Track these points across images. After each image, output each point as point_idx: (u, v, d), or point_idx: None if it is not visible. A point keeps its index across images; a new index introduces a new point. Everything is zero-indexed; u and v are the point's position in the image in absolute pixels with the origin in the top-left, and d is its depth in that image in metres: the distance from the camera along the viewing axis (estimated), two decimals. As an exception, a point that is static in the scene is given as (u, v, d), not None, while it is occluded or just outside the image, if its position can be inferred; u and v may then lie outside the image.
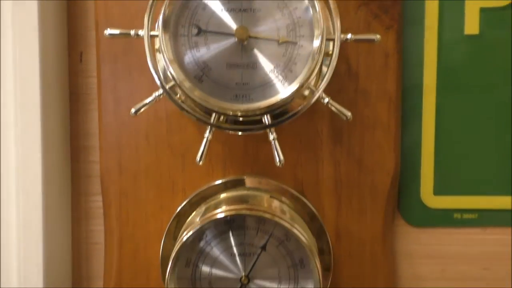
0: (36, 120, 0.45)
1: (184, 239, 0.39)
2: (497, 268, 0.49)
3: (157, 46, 0.42)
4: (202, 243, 0.41)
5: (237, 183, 0.45)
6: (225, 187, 0.45)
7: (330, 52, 0.39)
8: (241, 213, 0.39)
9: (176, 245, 0.40)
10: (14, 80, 0.45)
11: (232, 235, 0.41)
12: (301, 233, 0.39)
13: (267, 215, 0.39)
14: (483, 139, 0.48)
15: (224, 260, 0.41)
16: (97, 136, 0.48)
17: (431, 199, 0.49)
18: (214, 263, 0.41)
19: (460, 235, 0.49)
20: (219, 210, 0.40)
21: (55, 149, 0.47)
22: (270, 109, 0.38)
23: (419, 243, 0.50)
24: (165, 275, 0.40)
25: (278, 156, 0.39)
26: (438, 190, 0.48)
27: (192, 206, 0.45)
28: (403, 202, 0.49)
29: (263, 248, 0.41)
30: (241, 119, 0.42)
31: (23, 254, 0.45)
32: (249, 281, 0.41)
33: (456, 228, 0.49)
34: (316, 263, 0.39)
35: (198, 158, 0.40)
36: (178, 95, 0.40)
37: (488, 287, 0.49)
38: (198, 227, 0.39)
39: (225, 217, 0.39)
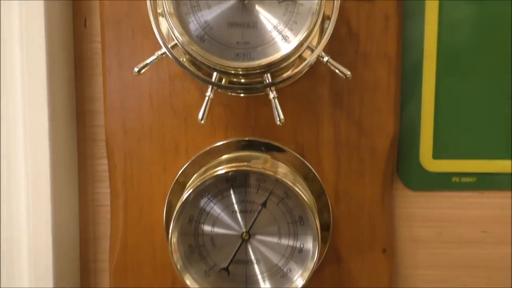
0: (43, 85, 0.46)
1: (186, 196, 0.40)
2: (495, 232, 0.50)
3: (159, 10, 0.42)
4: (204, 200, 0.42)
5: (238, 145, 0.46)
6: (227, 148, 0.46)
7: (331, 15, 0.39)
8: (242, 170, 0.39)
9: (179, 202, 0.41)
10: (20, 46, 0.45)
11: (233, 192, 0.42)
12: (301, 190, 0.40)
13: (269, 172, 0.39)
14: (483, 103, 0.48)
15: (225, 217, 0.42)
16: (101, 101, 0.49)
17: (430, 162, 0.49)
18: (216, 220, 0.42)
19: (458, 199, 0.50)
20: (220, 167, 0.40)
21: (61, 114, 0.48)
22: (270, 67, 0.39)
23: (417, 206, 0.50)
24: (169, 236, 0.41)
25: (278, 115, 0.40)
26: (437, 154, 0.49)
27: (194, 167, 0.46)
28: (402, 165, 0.49)
29: (264, 205, 0.41)
30: (242, 80, 0.43)
31: (32, 219, 0.46)
32: (250, 237, 0.42)
33: (454, 191, 0.50)
34: (315, 220, 0.39)
35: (200, 116, 0.40)
36: (181, 59, 0.41)
37: (486, 252, 0.50)
38: (199, 183, 0.40)
39: (226, 173, 0.39)
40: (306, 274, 0.39)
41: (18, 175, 0.46)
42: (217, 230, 0.42)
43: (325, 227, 0.45)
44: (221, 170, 0.40)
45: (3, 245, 0.47)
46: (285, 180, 0.39)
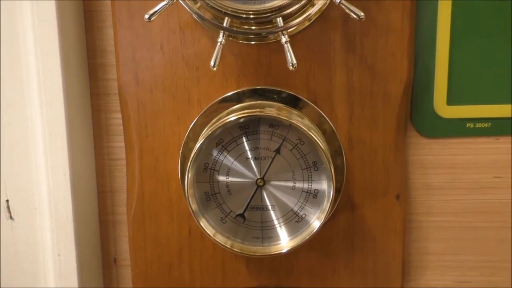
0: (55, 39, 0.45)
1: (200, 143, 0.40)
2: (509, 177, 0.50)
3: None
4: (218, 148, 0.42)
5: (251, 94, 0.45)
6: (238, 98, 0.45)
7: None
8: (255, 115, 0.39)
9: (193, 150, 0.41)
10: (31, 2, 0.45)
11: (247, 140, 0.42)
12: (315, 135, 0.40)
13: (282, 117, 0.39)
14: (499, 47, 0.47)
15: (240, 165, 0.42)
16: (113, 54, 0.48)
17: (444, 109, 0.48)
18: (231, 167, 0.42)
19: (472, 145, 0.49)
20: (232, 114, 0.40)
21: (74, 68, 0.48)
22: (282, 9, 0.38)
23: (431, 153, 0.50)
24: (184, 183, 0.41)
25: (291, 59, 0.39)
26: (451, 99, 0.48)
27: (207, 117, 0.45)
28: (416, 112, 0.48)
29: (277, 151, 0.41)
30: (253, 28, 0.42)
31: (51, 173, 0.47)
32: (264, 183, 0.42)
33: (468, 137, 0.49)
34: (330, 164, 0.39)
35: (212, 63, 0.40)
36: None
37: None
38: (212, 131, 0.40)
39: (238, 119, 0.39)
40: (323, 216, 0.40)
41: (35, 130, 0.47)
42: (232, 177, 0.42)
43: (338, 173, 0.45)
44: (233, 117, 0.40)
45: (23, 201, 0.48)
46: (299, 125, 0.39)
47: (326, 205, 0.39)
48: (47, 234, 0.48)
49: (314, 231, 0.40)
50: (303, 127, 0.39)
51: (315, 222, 0.40)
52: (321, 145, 0.39)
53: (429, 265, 0.52)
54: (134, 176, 0.48)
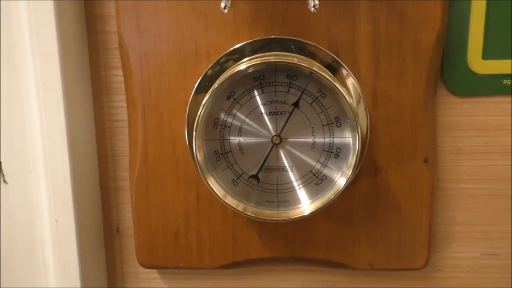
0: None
1: (209, 95, 0.35)
2: (547, 140, 0.44)
3: None
4: (229, 102, 0.37)
5: (265, 45, 0.40)
6: (252, 49, 0.40)
7: None
8: (270, 62, 0.34)
9: (202, 103, 0.36)
10: None
11: (262, 92, 0.36)
12: (339, 84, 0.34)
13: (302, 64, 0.34)
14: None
15: (254, 120, 0.37)
16: (112, 2, 0.43)
17: (479, 63, 0.43)
18: (243, 123, 0.37)
19: (508, 104, 0.44)
20: (244, 62, 0.35)
21: (69, 17, 0.43)
22: None
23: (462, 114, 0.44)
24: (192, 141, 0.37)
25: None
26: (488, 53, 0.43)
27: (217, 70, 0.40)
28: (447, 68, 0.43)
29: (296, 105, 0.36)
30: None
31: (46, 132, 0.42)
32: (281, 141, 0.37)
33: (504, 96, 0.44)
34: (355, 116, 0.34)
35: (222, 4, 0.34)
36: None
37: None
38: (222, 81, 0.34)
39: (249, 67, 0.34)
40: (349, 172, 0.35)
41: (28, 85, 0.42)
42: (245, 134, 0.37)
43: (362, 133, 0.40)
44: (244, 65, 0.34)
45: (17, 163, 0.43)
46: (321, 72, 0.34)
47: (352, 159, 0.34)
48: (43, 198, 0.43)
49: (340, 189, 0.35)
50: (326, 76, 0.34)
51: (341, 180, 0.35)
52: (345, 95, 0.34)
53: (457, 236, 0.47)
54: (137, 137, 0.44)
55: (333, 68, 0.40)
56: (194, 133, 0.35)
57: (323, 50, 0.40)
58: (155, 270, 0.50)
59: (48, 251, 0.45)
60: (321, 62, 0.39)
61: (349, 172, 0.35)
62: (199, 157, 0.35)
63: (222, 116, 0.37)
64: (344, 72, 0.40)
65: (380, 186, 0.43)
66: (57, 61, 0.41)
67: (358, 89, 0.40)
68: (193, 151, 0.35)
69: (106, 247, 0.50)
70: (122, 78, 0.44)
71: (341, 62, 0.40)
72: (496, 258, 0.47)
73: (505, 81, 0.43)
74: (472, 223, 0.47)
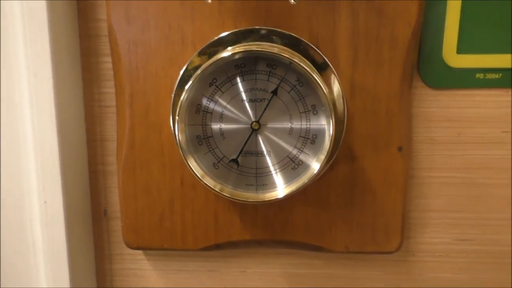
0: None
1: (191, 81, 0.36)
2: (517, 132, 0.46)
3: None
4: (211, 89, 0.38)
5: (249, 35, 0.41)
6: (236, 38, 0.41)
7: None
8: (251, 51, 0.35)
9: (185, 88, 0.37)
10: None
11: (243, 80, 0.38)
12: (316, 74, 0.36)
13: (283, 54, 0.35)
14: (515, -10, 0.43)
15: (234, 107, 0.39)
16: (103, -9, 0.45)
17: (453, 58, 0.45)
18: (225, 109, 0.39)
19: (480, 97, 0.46)
20: (228, 49, 0.36)
21: (61, 5, 0.44)
22: None
23: (437, 105, 0.46)
24: (175, 124, 0.38)
25: (292, -9, 0.35)
26: (462, 48, 0.44)
27: (201, 59, 0.42)
28: (423, 61, 0.45)
29: (274, 93, 0.38)
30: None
31: (36, 118, 0.44)
32: (260, 127, 0.39)
33: (477, 89, 0.46)
34: (329, 104, 0.36)
35: (206, -7, 0.36)
36: None
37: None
38: (205, 67, 0.36)
39: (233, 55, 0.35)
40: (323, 156, 0.36)
41: (19, 70, 0.43)
42: (226, 120, 0.39)
43: (339, 122, 0.42)
44: (227, 53, 0.36)
45: (7, 145, 0.44)
46: (299, 63, 0.35)
47: (326, 144, 0.36)
48: (32, 180, 0.45)
49: (314, 173, 0.37)
50: (303, 66, 0.35)
51: (315, 165, 0.37)
52: (321, 85, 0.35)
53: (430, 222, 0.49)
54: (125, 123, 0.45)
55: (313, 59, 0.41)
56: (177, 116, 0.36)
57: (304, 41, 0.41)
58: (141, 252, 0.51)
59: (37, 231, 0.46)
60: (301, 53, 0.40)
61: (323, 157, 0.36)
62: (181, 138, 0.37)
63: (204, 102, 0.38)
64: (323, 63, 0.41)
65: (356, 173, 0.44)
66: (48, 47, 0.42)
67: (337, 80, 0.42)
68: (175, 133, 0.37)
69: (94, 229, 0.51)
70: (111, 65, 0.46)
71: (321, 53, 0.41)
72: (468, 244, 0.49)
73: (477, 75, 0.45)
74: (445, 210, 0.48)
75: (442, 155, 0.47)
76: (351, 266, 0.50)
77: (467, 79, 0.45)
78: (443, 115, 0.46)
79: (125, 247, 0.50)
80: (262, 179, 0.40)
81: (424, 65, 0.45)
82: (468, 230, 0.49)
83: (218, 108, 0.39)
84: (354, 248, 0.46)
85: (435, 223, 0.49)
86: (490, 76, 0.45)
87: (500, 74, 0.45)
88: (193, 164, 0.38)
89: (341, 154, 0.44)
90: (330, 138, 0.35)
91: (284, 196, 0.38)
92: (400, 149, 0.44)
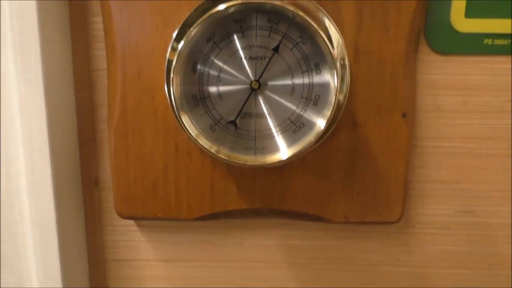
0: None
1: (188, 34, 0.34)
2: (523, 100, 0.45)
3: None
4: (209, 45, 0.36)
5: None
6: (234, -5, 0.39)
7: None
8: (251, 2, 0.33)
9: (180, 43, 0.35)
10: None
11: (242, 36, 0.35)
12: (322, 30, 0.34)
13: (287, 7, 0.33)
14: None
15: (233, 65, 0.36)
16: None
17: (461, 22, 0.42)
18: (223, 68, 0.36)
19: (488, 64, 0.44)
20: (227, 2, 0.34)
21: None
22: None
23: (443, 72, 0.44)
24: (170, 79, 0.36)
25: None
26: (470, 12, 0.42)
27: (199, 15, 0.39)
28: (430, 26, 0.43)
29: (276, 50, 0.36)
30: None
31: (22, 82, 0.41)
32: (260, 86, 0.36)
33: (484, 56, 0.44)
34: (334, 63, 0.34)
35: None
36: None
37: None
38: (201, 21, 0.33)
39: (228, 8, 0.33)
40: (328, 112, 0.34)
41: (4, 33, 0.40)
42: (224, 79, 0.36)
43: (342, 84, 0.40)
44: (224, 6, 0.33)
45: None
46: (304, 16, 0.33)
47: (332, 99, 0.34)
48: (19, 145, 0.42)
49: (321, 130, 0.35)
50: (308, 19, 0.33)
51: (320, 122, 0.35)
52: (325, 39, 0.33)
53: (431, 193, 0.47)
54: (116, 86, 0.43)
55: (316, 17, 0.39)
56: (172, 73, 0.34)
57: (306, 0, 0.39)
58: (133, 223, 0.49)
59: (24, 199, 0.44)
60: (303, 10, 0.38)
61: (329, 113, 0.34)
62: (175, 93, 0.34)
63: (201, 59, 0.36)
64: (327, 21, 0.39)
65: (358, 140, 0.43)
66: (35, 6, 0.39)
67: (340, 40, 0.39)
68: (170, 88, 0.34)
69: (85, 199, 0.49)
70: (102, 25, 0.43)
71: (325, 12, 0.39)
72: (469, 216, 0.48)
73: (486, 40, 0.43)
74: (447, 181, 0.47)
75: (446, 124, 0.45)
76: (349, 237, 0.49)
77: (475, 45, 0.43)
78: (449, 82, 0.44)
79: (117, 218, 0.48)
80: (261, 142, 0.37)
81: (431, 29, 0.43)
82: (470, 201, 0.48)
83: (215, 66, 0.36)
84: (354, 218, 0.45)
85: (436, 194, 0.47)
86: (499, 42, 0.43)
87: (509, 40, 0.43)
88: (187, 122, 0.35)
89: (343, 120, 0.41)
90: (335, 91, 0.33)
91: (288, 158, 0.36)
92: (404, 115, 0.42)
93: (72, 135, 0.46)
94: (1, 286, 0.46)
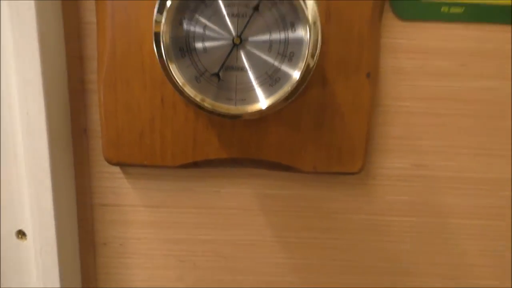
0: None
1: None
2: (472, 65, 0.50)
3: None
4: (195, 2, 0.39)
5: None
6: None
7: None
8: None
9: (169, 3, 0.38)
10: None
11: (225, -6, 0.39)
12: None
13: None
14: None
15: (217, 21, 0.40)
16: None
17: (421, -9, 0.47)
18: (207, 23, 0.40)
19: (444, 30, 0.49)
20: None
21: None
22: None
23: (404, 37, 0.49)
24: (158, 37, 0.39)
25: None
26: (430, -18, 0.47)
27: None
28: (394, -7, 0.47)
29: (256, 8, 0.39)
30: None
31: (17, 28, 0.43)
32: (241, 41, 0.40)
33: (442, 22, 0.48)
34: (308, 22, 0.38)
35: None
36: None
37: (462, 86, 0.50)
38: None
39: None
40: (302, 64, 0.38)
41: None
42: (209, 34, 0.40)
43: (314, 42, 0.44)
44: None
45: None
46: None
47: (304, 53, 0.38)
48: (13, 90, 0.45)
49: (296, 80, 0.39)
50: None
51: (295, 73, 0.39)
52: (301, 4, 0.37)
53: (391, 148, 0.53)
54: (105, 37, 0.45)
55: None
56: (163, 18, 0.37)
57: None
58: (119, 170, 0.53)
59: (18, 142, 0.46)
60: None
61: (303, 65, 0.38)
62: (165, 41, 0.38)
63: (188, 15, 0.39)
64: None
65: (327, 97, 0.47)
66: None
67: (315, 3, 0.43)
68: (159, 39, 0.38)
69: (74, 147, 0.52)
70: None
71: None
72: (423, 169, 0.53)
73: (443, 8, 0.48)
74: (405, 137, 0.52)
75: (406, 85, 0.50)
76: (317, 187, 0.54)
77: (433, 12, 0.48)
78: (409, 46, 0.49)
79: (104, 165, 0.52)
80: (242, 94, 0.41)
81: (395, -3, 0.47)
82: (424, 156, 0.53)
83: (201, 22, 0.40)
84: (321, 168, 0.50)
85: (395, 149, 0.53)
86: (454, 10, 0.48)
87: (463, 8, 0.48)
88: (174, 71, 0.39)
89: (314, 78, 0.46)
90: (307, 53, 0.37)
91: (267, 107, 0.40)
92: (368, 75, 0.47)
93: (63, 85, 0.49)
94: (-5, 225, 0.49)
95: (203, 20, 0.40)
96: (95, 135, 0.52)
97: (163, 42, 0.38)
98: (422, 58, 0.50)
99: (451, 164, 0.53)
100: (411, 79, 0.50)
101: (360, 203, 0.55)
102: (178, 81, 0.39)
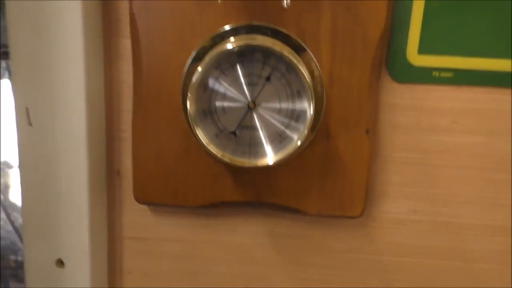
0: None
1: (201, 68, 0.44)
2: (464, 122, 0.55)
3: None
4: (217, 72, 0.46)
5: (247, 29, 0.49)
6: (237, 31, 0.49)
7: None
8: (251, 44, 0.44)
9: (195, 73, 0.45)
10: None
11: (243, 67, 0.46)
12: (301, 65, 0.44)
13: (276, 48, 0.44)
14: (470, 4, 0.51)
15: (235, 88, 0.47)
16: (126, -16, 0.52)
17: (415, 57, 0.53)
18: (227, 90, 0.47)
19: (436, 92, 0.54)
20: (230, 43, 0.44)
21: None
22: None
23: (400, 97, 0.55)
24: (186, 98, 0.46)
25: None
26: (422, 49, 0.53)
27: (208, 47, 0.49)
28: (390, 59, 0.53)
29: (268, 79, 0.46)
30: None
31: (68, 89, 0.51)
32: (255, 105, 0.47)
33: (433, 85, 0.54)
34: (311, 91, 0.44)
35: (218, -4, 0.44)
36: None
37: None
38: (214, 55, 0.44)
39: (234, 48, 0.43)
40: (305, 131, 0.45)
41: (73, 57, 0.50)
42: (228, 98, 0.47)
43: (319, 103, 0.50)
44: (230, 45, 0.44)
45: (42, 108, 0.52)
46: (288, 56, 0.44)
47: (307, 122, 0.45)
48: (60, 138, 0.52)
49: (298, 145, 0.45)
50: (291, 58, 0.44)
51: (298, 138, 0.46)
52: (305, 74, 0.44)
53: (390, 194, 0.58)
54: (141, 96, 0.53)
55: (300, 52, 0.49)
56: (188, 93, 0.44)
57: (293, 37, 0.49)
58: (147, 208, 0.60)
59: (62, 181, 0.54)
60: (290, 46, 0.49)
61: (305, 132, 0.45)
62: (191, 110, 0.45)
63: (211, 83, 0.46)
64: (308, 55, 0.49)
65: (331, 149, 0.53)
66: (81, 31, 0.50)
67: (319, 70, 0.50)
68: (186, 105, 0.45)
69: (108, 187, 0.59)
70: (128, 46, 0.53)
71: (306, 48, 0.50)
72: (419, 214, 0.58)
73: (434, 73, 0.54)
74: (402, 185, 0.57)
75: (402, 138, 0.56)
76: (322, 228, 0.59)
77: (425, 76, 0.54)
78: (405, 105, 0.55)
79: (133, 203, 0.58)
80: (255, 149, 0.48)
81: (391, 62, 0.53)
82: (420, 202, 0.58)
83: (221, 89, 0.47)
84: (325, 212, 0.55)
85: (393, 195, 0.58)
86: (444, 74, 0.54)
87: (452, 73, 0.53)
88: (200, 133, 0.46)
89: (319, 133, 0.52)
90: (310, 118, 0.44)
91: (274, 163, 0.47)
92: (367, 131, 0.53)
93: (101, 133, 0.56)
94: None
95: (223, 87, 0.47)
96: (127, 176, 0.59)
97: (189, 109, 0.45)
98: (416, 116, 0.55)
99: (444, 210, 0.58)
100: (407, 133, 0.56)
101: (360, 243, 0.60)
102: (203, 141, 0.46)
